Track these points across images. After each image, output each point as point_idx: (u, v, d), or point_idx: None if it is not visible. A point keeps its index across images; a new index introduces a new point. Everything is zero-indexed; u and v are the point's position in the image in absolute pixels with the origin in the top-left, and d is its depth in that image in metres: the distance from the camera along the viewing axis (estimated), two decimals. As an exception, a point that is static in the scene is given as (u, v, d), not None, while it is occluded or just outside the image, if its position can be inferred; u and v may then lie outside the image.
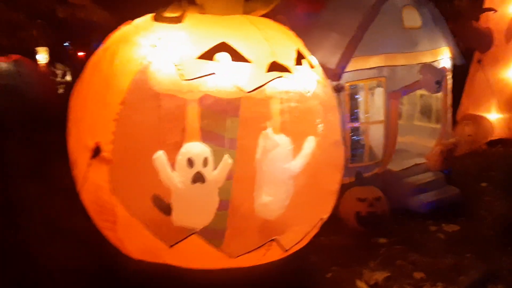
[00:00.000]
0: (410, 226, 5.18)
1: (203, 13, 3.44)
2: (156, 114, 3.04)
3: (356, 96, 5.52)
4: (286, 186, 3.33)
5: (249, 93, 3.09)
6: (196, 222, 3.18)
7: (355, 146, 5.56)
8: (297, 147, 3.34)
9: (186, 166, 3.07)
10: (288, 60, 3.33)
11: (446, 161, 5.93)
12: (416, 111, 6.46)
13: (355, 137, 5.58)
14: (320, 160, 3.71)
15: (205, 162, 3.10)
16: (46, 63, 11.33)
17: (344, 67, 5.18)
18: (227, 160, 3.13)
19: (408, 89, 5.50)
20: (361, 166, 5.50)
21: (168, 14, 3.34)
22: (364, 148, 5.52)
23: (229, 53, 3.15)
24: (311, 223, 3.62)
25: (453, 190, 5.73)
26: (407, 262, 4.42)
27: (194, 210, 3.20)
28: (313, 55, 5.46)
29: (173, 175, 3.06)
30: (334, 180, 3.90)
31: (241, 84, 3.09)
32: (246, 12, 3.55)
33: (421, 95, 6.20)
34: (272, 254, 3.41)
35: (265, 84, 3.12)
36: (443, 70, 5.73)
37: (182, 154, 3.08)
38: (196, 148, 3.10)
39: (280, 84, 3.22)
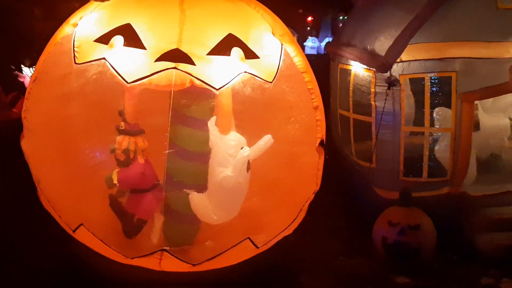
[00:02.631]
0: (455, 271, 3.95)
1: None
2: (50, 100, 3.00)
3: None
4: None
5: (129, 84, 2.76)
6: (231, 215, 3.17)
7: (411, 157, 4.43)
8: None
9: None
10: (201, 48, 2.81)
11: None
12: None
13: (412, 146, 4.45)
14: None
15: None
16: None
17: (396, 56, 4.12)
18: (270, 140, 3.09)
19: (489, 92, 4.04)
20: (418, 182, 4.38)
21: None
22: (423, 160, 4.35)
23: (131, 36, 2.84)
24: (234, 237, 3.09)
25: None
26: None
27: (237, 201, 3.16)
28: (372, 40, 4.49)
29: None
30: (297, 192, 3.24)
31: (124, 73, 2.76)
32: None
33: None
34: (170, 265, 3.03)
35: (148, 76, 2.72)
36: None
37: (235, 146, 3.04)
38: (240, 137, 3.06)
39: (176, 76, 2.76)
